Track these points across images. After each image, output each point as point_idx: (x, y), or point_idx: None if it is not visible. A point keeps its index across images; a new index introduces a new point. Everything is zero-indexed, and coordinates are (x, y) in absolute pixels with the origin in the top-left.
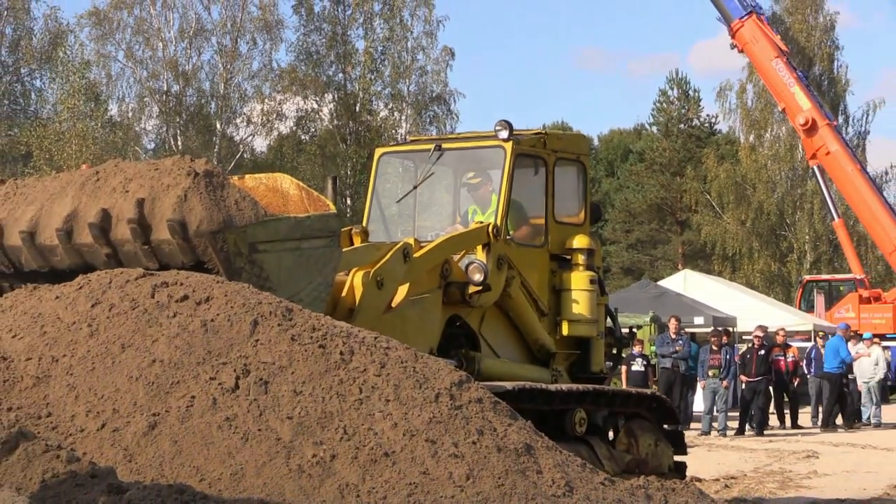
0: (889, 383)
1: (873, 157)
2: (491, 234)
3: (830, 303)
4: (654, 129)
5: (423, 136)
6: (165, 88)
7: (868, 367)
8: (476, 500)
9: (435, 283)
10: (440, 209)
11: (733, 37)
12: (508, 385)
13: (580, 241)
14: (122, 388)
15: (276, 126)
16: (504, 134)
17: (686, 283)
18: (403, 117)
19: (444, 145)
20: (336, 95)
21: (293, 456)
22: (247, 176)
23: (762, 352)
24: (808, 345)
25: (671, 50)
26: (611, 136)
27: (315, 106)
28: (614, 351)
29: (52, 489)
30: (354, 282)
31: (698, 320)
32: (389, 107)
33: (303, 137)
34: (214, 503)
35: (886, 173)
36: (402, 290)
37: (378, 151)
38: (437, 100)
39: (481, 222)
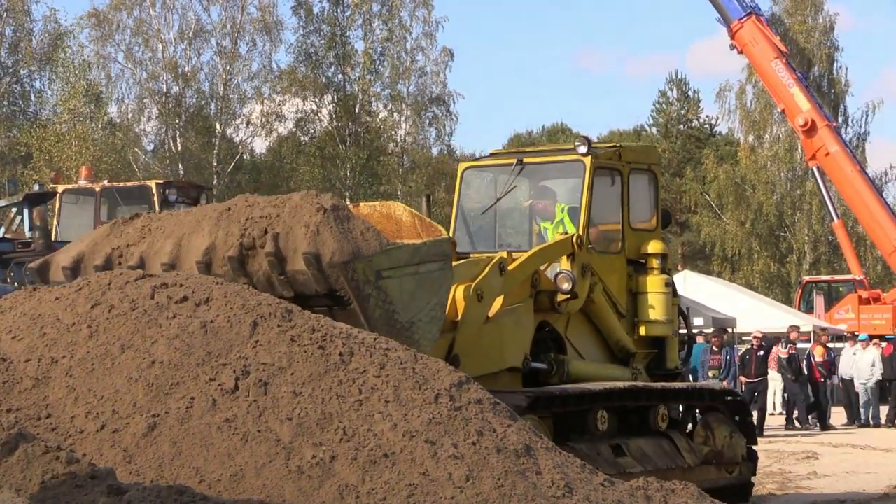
0: (888, 384)
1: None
2: (575, 245)
3: (830, 304)
4: (654, 129)
5: (504, 150)
6: (165, 89)
7: (865, 367)
8: (476, 501)
9: (526, 293)
10: (520, 220)
11: (733, 38)
12: (597, 386)
13: (655, 247)
14: (122, 390)
15: (275, 127)
16: (583, 149)
17: (685, 283)
18: (403, 118)
19: (525, 159)
20: (335, 96)
21: (293, 457)
22: (361, 204)
23: (761, 352)
24: (808, 346)
25: (668, 51)
26: (610, 136)
27: (314, 107)
28: (685, 348)
29: (52, 490)
30: (457, 296)
31: (698, 321)
32: (389, 108)
33: (302, 138)
34: None
35: (886, 174)
36: (499, 302)
37: (462, 166)
38: (436, 101)
39: (565, 233)
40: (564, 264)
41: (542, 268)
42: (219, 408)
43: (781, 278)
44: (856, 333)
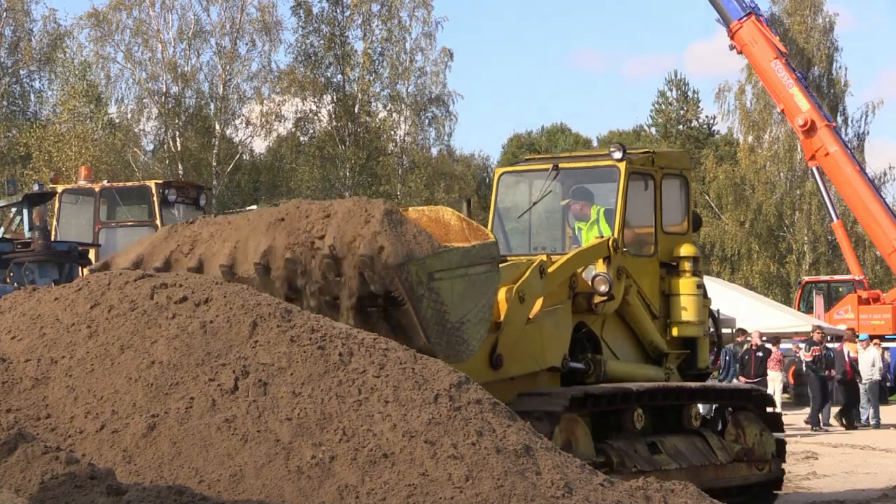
0: (888, 384)
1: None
2: (611, 248)
3: (829, 304)
4: (653, 130)
5: (538, 155)
6: (164, 90)
7: (866, 367)
8: (475, 502)
9: (565, 295)
10: (554, 223)
11: (732, 38)
12: (639, 386)
13: (687, 250)
14: (122, 390)
15: (274, 127)
16: (618, 154)
17: None
18: (402, 118)
19: (561, 165)
20: (335, 97)
21: (292, 457)
22: (410, 209)
23: (760, 353)
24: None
25: (666, 51)
26: (610, 137)
27: (314, 107)
28: (714, 349)
29: (51, 491)
30: (499, 298)
31: None
32: (388, 108)
33: (301, 139)
34: None
35: (885, 174)
36: (539, 303)
37: (498, 171)
38: (435, 101)
39: (601, 236)
40: (600, 267)
41: (578, 270)
42: (218, 408)
43: (781, 278)
44: (856, 333)
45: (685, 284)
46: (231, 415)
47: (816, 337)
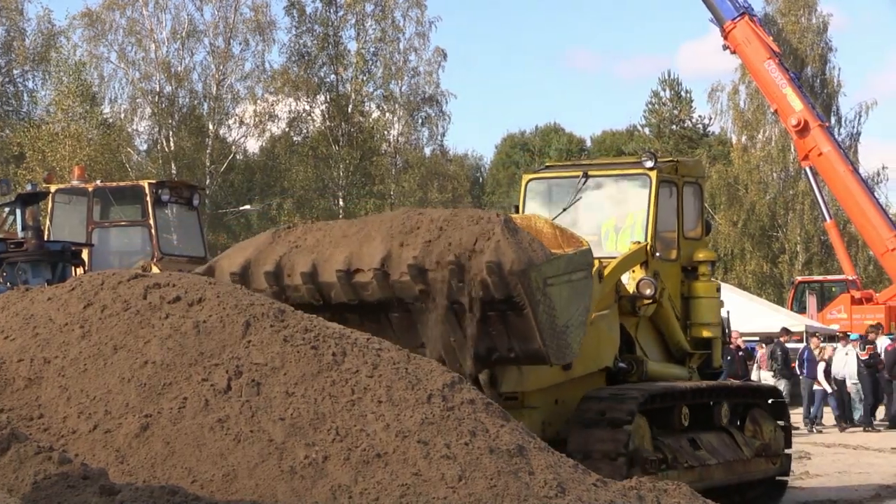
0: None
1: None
2: (649, 253)
3: (822, 304)
4: (647, 130)
5: (564, 161)
6: (158, 89)
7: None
8: (468, 502)
9: (612, 299)
10: (581, 229)
11: (725, 38)
12: (681, 385)
13: (706, 255)
14: (114, 390)
15: (268, 127)
16: (650, 163)
17: None
18: (395, 118)
19: (591, 172)
20: (328, 96)
21: (285, 457)
22: None
23: (741, 354)
24: (801, 346)
25: (659, 51)
26: (603, 137)
27: (307, 107)
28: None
29: (44, 491)
30: None
31: None
32: (381, 108)
33: (295, 139)
34: None
35: (878, 174)
36: (594, 307)
37: (525, 177)
38: (429, 101)
39: (638, 242)
40: (639, 272)
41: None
42: (211, 408)
43: (774, 278)
44: (848, 333)
45: (704, 288)
46: (224, 415)
47: (871, 336)
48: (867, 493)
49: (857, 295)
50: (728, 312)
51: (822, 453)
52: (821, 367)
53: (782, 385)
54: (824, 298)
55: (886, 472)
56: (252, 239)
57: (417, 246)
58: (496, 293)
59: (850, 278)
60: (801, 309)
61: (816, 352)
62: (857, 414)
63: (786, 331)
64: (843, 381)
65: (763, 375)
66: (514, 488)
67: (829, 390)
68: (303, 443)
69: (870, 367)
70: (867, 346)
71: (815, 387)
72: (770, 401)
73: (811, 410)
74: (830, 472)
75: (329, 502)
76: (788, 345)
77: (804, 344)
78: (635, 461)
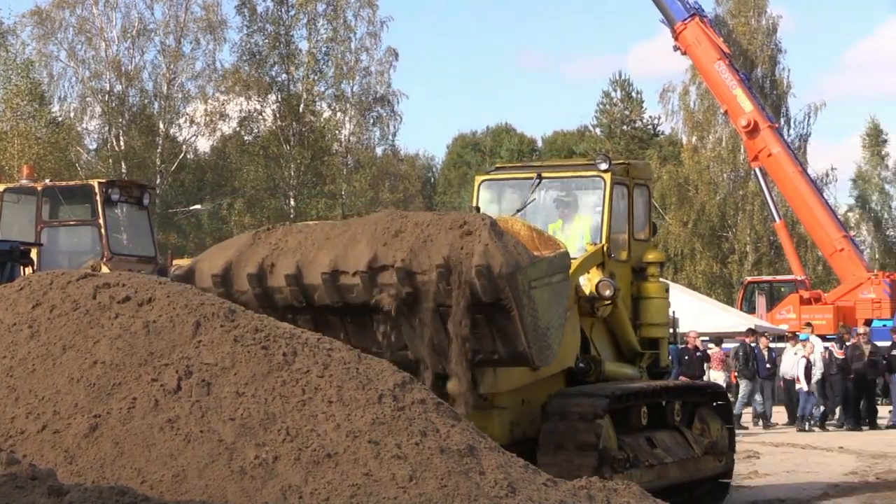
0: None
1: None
2: (605, 255)
3: (772, 304)
4: (598, 130)
5: (516, 163)
6: (108, 88)
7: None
8: (419, 502)
9: (573, 300)
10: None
11: (676, 39)
12: (648, 384)
13: (655, 256)
14: (63, 390)
15: (219, 126)
16: (604, 165)
17: None
18: (347, 118)
19: (544, 174)
20: (279, 96)
21: (235, 457)
22: None
23: (699, 354)
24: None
25: (610, 52)
26: (554, 137)
27: (258, 106)
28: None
29: None
30: None
31: None
32: (333, 107)
33: (246, 138)
34: None
35: (827, 175)
36: None
37: (478, 178)
38: (380, 101)
39: (594, 243)
40: (595, 273)
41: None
42: (161, 408)
43: (724, 278)
44: (797, 333)
45: (654, 288)
46: (174, 415)
47: (845, 336)
48: (815, 492)
49: (806, 295)
50: (674, 312)
51: (771, 452)
52: (801, 363)
53: (744, 385)
54: (773, 298)
55: (834, 471)
56: (232, 240)
57: (404, 249)
58: (484, 296)
59: (798, 278)
60: (751, 309)
61: (798, 350)
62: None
63: (751, 331)
64: (793, 381)
65: (713, 375)
66: (464, 488)
67: (806, 389)
68: (253, 443)
69: (844, 369)
70: (845, 346)
71: (797, 386)
72: (715, 399)
73: (798, 411)
74: (779, 471)
75: (279, 502)
76: (734, 345)
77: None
78: (604, 460)
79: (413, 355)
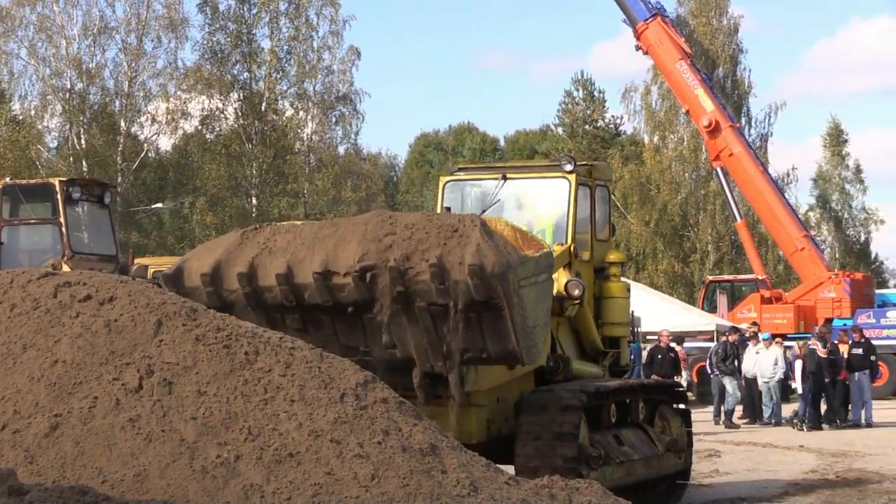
0: (790, 383)
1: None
2: (572, 255)
3: (733, 303)
4: (560, 130)
5: (479, 163)
6: (69, 86)
7: (768, 366)
8: (381, 501)
9: None
10: None
11: (638, 38)
12: (612, 384)
13: (616, 256)
14: (24, 389)
15: (180, 125)
16: (569, 166)
17: None
18: (309, 117)
19: (509, 174)
20: (241, 94)
21: (197, 457)
22: None
23: (672, 354)
24: (711, 345)
25: (572, 52)
26: (517, 136)
27: (220, 105)
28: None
29: None
30: None
31: None
32: (295, 106)
33: (208, 137)
34: None
35: (788, 175)
36: None
37: (443, 179)
38: (342, 99)
39: (561, 244)
40: (563, 273)
41: None
42: (122, 407)
43: (685, 278)
44: (758, 332)
45: (616, 288)
46: (135, 414)
47: (826, 335)
48: (776, 490)
49: (767, 294)
50: (633, 312)
51: (732, 451)
52: (798, 364)
53: (727, 382)
54: (735, 298)
55: (794, 469)
56: (219, 239)
57: (396, 249)
58: (477, 295)
59: (760, 278)
60: (712, 308)
61: (795, 350)
62: (766, 412)
63: (734, 329)
64: (754, 380)
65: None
66: (426, 487)
67: (801, 390)
68: (215, 442)
69: (832, 367)
70: (828, 344)
71: (794, 386)
72: (675, 398)
73: (798, 411)
74: (740, 469)
75: (241, 502)
76: (696, 344)
77: (714, 343)
78: (581, 457)
79: (402, 354)
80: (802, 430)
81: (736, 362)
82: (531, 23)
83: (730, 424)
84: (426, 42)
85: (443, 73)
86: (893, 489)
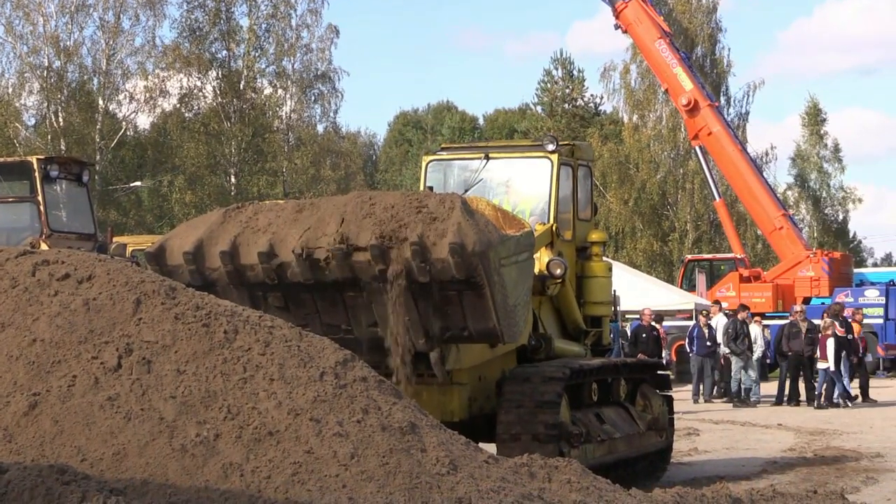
0: (768, 361)
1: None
2: (554, 235)
3: (712, 282)
4: (539, 108)
5: (460, 143)
6: (47, 64)
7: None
8: (361, 479)
9: None
10: None
11: (617, 17)
12: (595, 362)
13: (598, 236)
14: (2, 368)
15: (159, 103)
16: (551, 146)
17: None
18: (288, 95)
19: (492, 154)
20: (220, 73)
21: (176, 435)
22: None
23: (654, 333)
24: (690, 323)
25: (550, 30)
26: (496, 115)
27: (199, 83)
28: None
29: None
30: None
31: None
32: (274, 84)
33: (186, 115)
34: (96, 483)
35: (767, 154)
36: None
37: (425, 159)
38: (321, 78)
39: (543, 223)
40: (544, 252)
41: None
42: (101, 386)
43: (664, 256)
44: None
45: (598, 267)
46: (114, 393)
47: (840, 312)
48: (754, 468)
49: (746, 273)
50: (615, 291)
51: (711, 430)
52: (830, 343)
53: (735, 362)
54: (713, 277)
55: (773, 448)
56: (201, 218)
57: (377, 227)
58: (457, 273)
59: (738, 257)
60: (691, 287)
61: (822, 329)
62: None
63: (743, 307)
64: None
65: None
66: (406, 466)
67: (833, 368)
68: (194, 421)
69: (849, 346)
70: (844, 325)
71: (821, 364)
72: (655, 377)
73: (818, 389)
74: (718, 448)
75: (220, 480)
76: (675, 323)
77: (693, 321)
78: (561, 435)
79: (383, 332)
80: (848, 406)
81: (747, 341)
82: (510, 1)
83: (747, 403)
84: (405, 20)
85: (422, 51)
86: (871, 467)
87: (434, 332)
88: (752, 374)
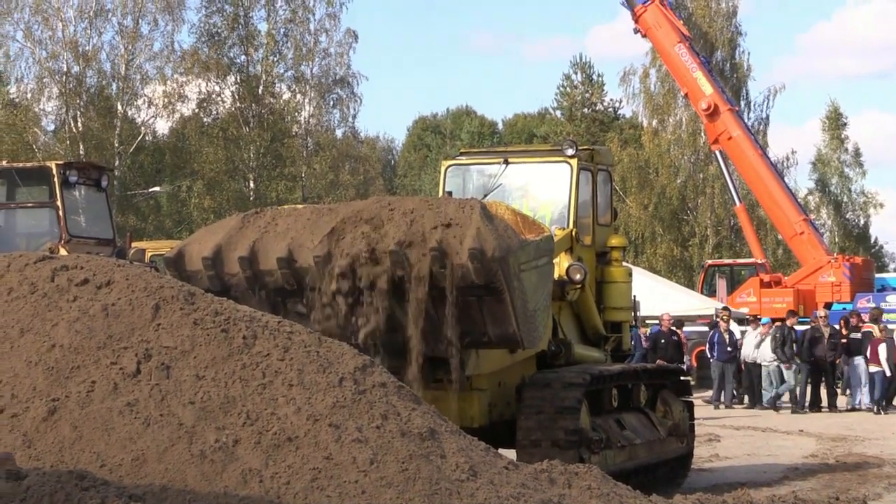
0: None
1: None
2: (574, 239)
3: (732, 287)
4: (559, 113)
5: (479, 148)
6: (65, 69)
7: (768, 351)
8: (380, 485)
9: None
10: None
11: (636, 21)
12: (615, 368)
13: (618, 241)
14: (21, 374)
15: (177, 108)
16: (571, 151)
17: None
18: (306, 100)
19: (511, 159)
20: (238, 77)
21: (195, 441)
22: None
23: (675, 338)
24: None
25: (569, 34)
26: (515, 120)
27: (217, 88)
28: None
29: None
30: None
31: None
32: (292, 89)
33: (205, 120)
34: (115, 489)
35: (787, 158)
36: None
37: (444, 163)
38: (340, 82)
39: (563, 228)
40: (564, 258)
41: None
42: (120, 392)
43: (684, 262)
44: (758, 317)
45: (618, 273)
46: (133, 398)
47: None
48: (775, 475)
49: (766, 278)
50: (635, 297)
51: (732, 436)
52: (882, 348)
53: (785, 371)
54: (734, 282)
55: (794, 454)
56: (220, 223)
57: (396, 233)
58: (477, 279)
59: (759, 262)
60: (711, 292)
61: (878, 332)
62: (766, 396)
63: (792, 313)
64: (754, 364)
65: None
66: (425, 472)
67: (888, 373)
68: (213, 427)
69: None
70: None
71: (873, 368)
72: (676, 383)
73: (874, 394)
74: (739, 454)
75: (239, 486)
76: (695, 328)
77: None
78: (581, 441)
79: (402, 338)
80: (880, 413)
81: (794, 347)
82: (528, 5)
83: (773, 406)
84: (424, 24)
85: (441, 55)
86: (893, 473)
87: (453, 337)
88: (792, 380)
